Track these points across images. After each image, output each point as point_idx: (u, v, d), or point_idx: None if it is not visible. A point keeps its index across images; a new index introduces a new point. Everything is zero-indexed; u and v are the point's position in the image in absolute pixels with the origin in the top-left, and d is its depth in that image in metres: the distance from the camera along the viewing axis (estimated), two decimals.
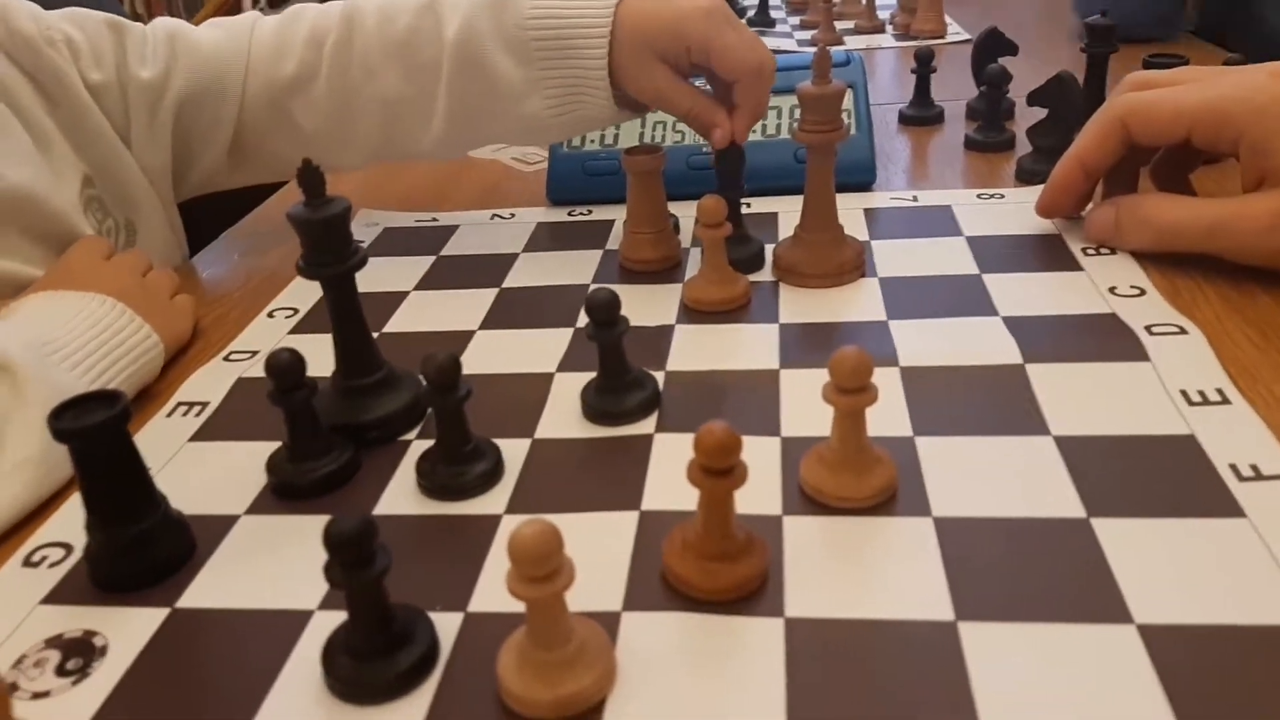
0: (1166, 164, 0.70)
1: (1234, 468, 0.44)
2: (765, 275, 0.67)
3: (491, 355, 0.60)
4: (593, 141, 0.84)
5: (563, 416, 0.53)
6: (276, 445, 0.50)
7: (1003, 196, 0.76)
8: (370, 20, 0.73)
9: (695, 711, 0.35)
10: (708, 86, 0.70)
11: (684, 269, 0.69)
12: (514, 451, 0.50)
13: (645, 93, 0.68)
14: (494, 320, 0.65)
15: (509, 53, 0.69)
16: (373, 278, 0.70)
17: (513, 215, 0.83)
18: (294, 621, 0.41)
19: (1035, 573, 0.40)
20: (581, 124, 0.72)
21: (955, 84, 1.06)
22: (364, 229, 0.82)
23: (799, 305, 0.63)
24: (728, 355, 0.58)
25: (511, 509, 0.46)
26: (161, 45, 0.74)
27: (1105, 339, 0.55)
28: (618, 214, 0.77)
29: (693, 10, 0.65)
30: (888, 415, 0.50)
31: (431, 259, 0.75)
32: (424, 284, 0.71)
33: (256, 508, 0.48)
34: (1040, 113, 0.78)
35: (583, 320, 0.55)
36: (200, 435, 0.55)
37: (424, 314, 0.67)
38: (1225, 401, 0.49)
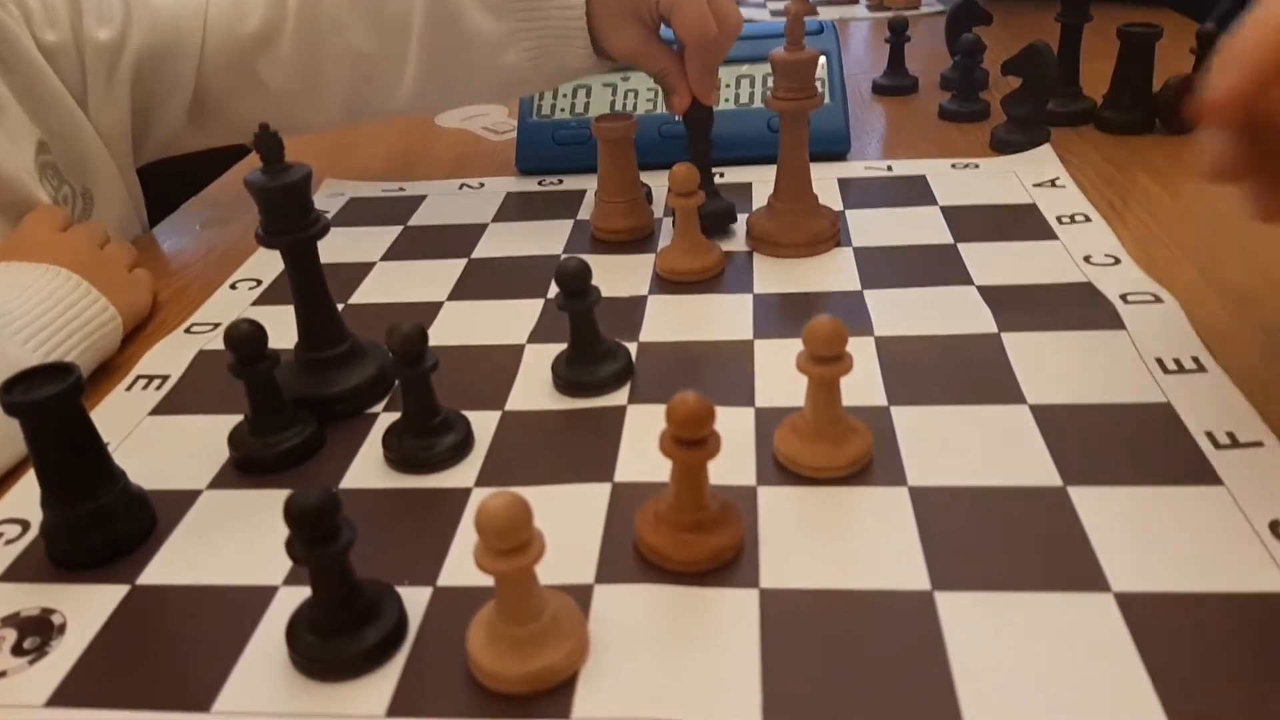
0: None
1: (1210, 435, 0.44)
2: (739, 245, 0.66)
3: (460, 326, 0.59)
4: (563, 110, 0.83)
5: (534, 388, 0.52)
6: (239, 419, 0.49)
7: (977, 166, 0.76)
8: None
9: (669, 684, 0.34)
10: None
11: (657, 238, 0.68)
12: (484, 424, 0.49)
13: (619, 49, 0.68)
14: (463, 291, 0.63)
15: (483, 7, 0.68)
16: (338, 248, 0.69)
17: (482, 185, 0.81)
18: (258, 598, 0.40)
19: (1011, 542, 0.39)
20: (561, 74, 0.72)
21: (929, 54, 1.05)
22: (329, 199, 0.80)
23: (773, 275, 0.62)
24: (701, 325, 0.57)
25: (481, 482, 0.45)
26: (117, 4, 0.72)
27: (1080, 307, 0.55)
28: (589, 183, 0.76)
29: None
30: (863, 385, 0.50)
31: (399, 229, 0.73)
32: (391, 254, 0.70)
33: (219, 482, 0.47)
34: (1015, 82, 0.78)
35: (553, 291, 0.54)
36: (161, 409, 0.53)
37: (391, 285, 0.65)
38: (1201, 369, 0.49)
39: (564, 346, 0.53)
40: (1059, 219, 0.65)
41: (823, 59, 0.80)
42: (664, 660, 0.35)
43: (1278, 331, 0.52)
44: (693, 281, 0.61)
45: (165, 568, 0.42)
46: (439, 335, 0.58)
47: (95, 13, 0.71)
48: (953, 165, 0.76)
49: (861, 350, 0.52)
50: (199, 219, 0.82)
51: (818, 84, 0.78)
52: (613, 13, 0.67)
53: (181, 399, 0.54)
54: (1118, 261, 0.59)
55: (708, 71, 0.66)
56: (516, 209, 0.76)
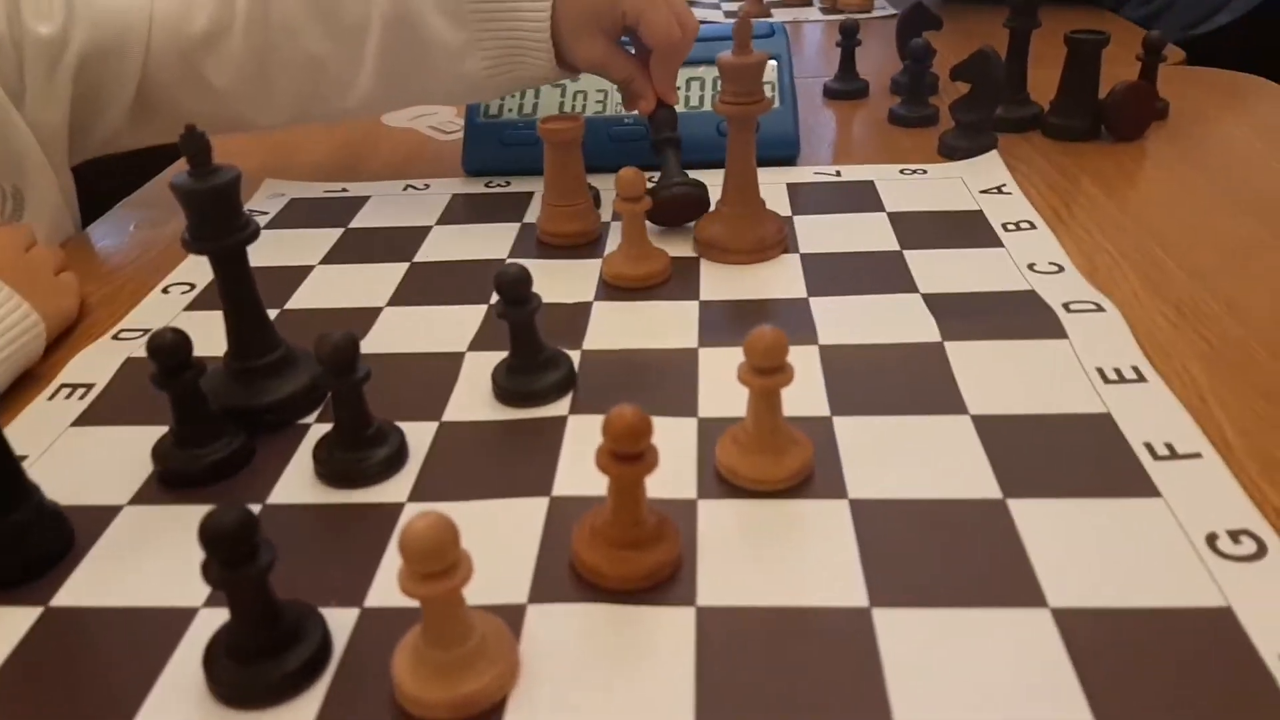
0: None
1: (1149, 446, 0.44)
2: (686, 250, 0.65)
3: (399, 333, 0.58)
4: (510, 111, 0.81)
5: (473, 398, 0.51)
6: (166, 430, 0.47)
7: (925, 172, 0.76)
8: None
9: (600, 707, 0.34)
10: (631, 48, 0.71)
11: (604, 243, 0.67)
12: (419, 435, 0.48)
13: (584, 60, 0.69)
14: (403, 296, 0.62)
15: (444, 14, 0.68)
16: (276, 251, 0.68)
17: (427, 186, 0.80)
18: (176, 620, 0.38)
19: (950, 556, 0.39)
20: (519, 83, 0.73)
21: (881, 58, 1.06)
22: (269, 199, 0.78)
23: (720, 282, 0.61)
24: (647, 333, 0.56)
25: (414, 497, 0.44)
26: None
27: (1024, 316, 0.55)
28: (537, 186, 0.75)
29: None
30: (806, 394, 0.49)
31: (340, 231, 0.72)
32: (330, 258, 0.68)
33: (141, 497, 0.45)
34: (964, 88, 0.78)
35: (496, 297, 0.53)
36: (83, 419, 0.51)
37: (329, 290, 0.64)
38: (1141, 379, 0.49)
39: (505, 354, 0.52)
40: (1005, 226, 0.65)
41: (772, 62, 0.80)
42: (596, 683, 0.34)
43: (1217, 341, 0.52)
44: (639, 288, 0.61)
45: (81, 589, 0.40)
46: (377, 342, 0.57)
47: (34, 8, 0.69)
48: (901, 171, 0.76)
49: (805, 359, 0.52)
50: (133, 219, 0.80)
51: (767, 88, 0.79)
52: (577, 25, 0.68)
53: (106, 409, 0.52)
54: (1061, 270, 0.60)
55: (672, 74, 0.69)
56: (462, 211, 0.75)
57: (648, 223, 0.62)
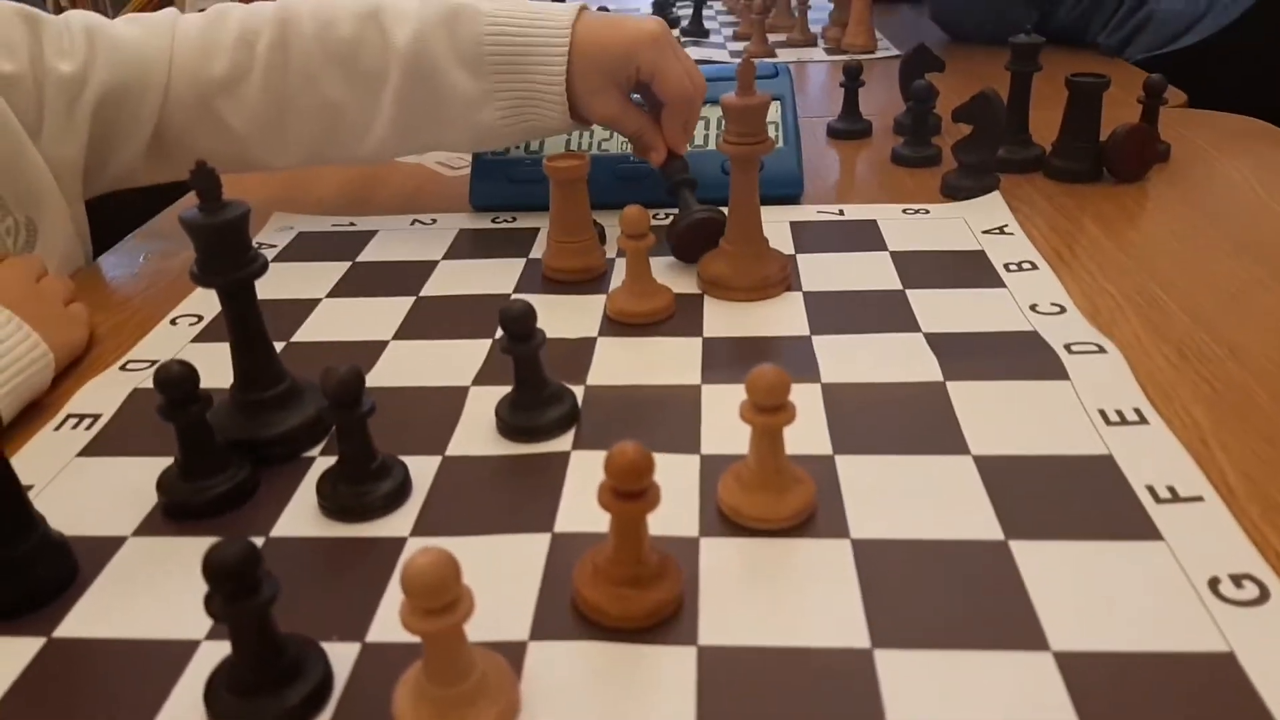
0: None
1: (1151, 489, 0.44)
2: (690, 288, 0.65)
3: (404, 367, 0.58)
4: (517, 148, 0.82)
5: (476, 433, 0.51)
6: (171, 461, 0.47)
7: (928, 212, 0.76)
8: (307, 25, 0.72)
9: None
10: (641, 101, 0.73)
11: (609, 279, 0.68)
12: (423, 470, 0.48)
13: (597, 114, 0.72)
14: (409, 330, 0.62)
15: (463, 66, 0.70)
16: (283, 284, 0.68)
17: (434, 221, 0.80)
18: (179, 653, 0.38)
19: (952, 597, 0.39)
20: (531, 133, 0.75)
21: (884, 98, 1.07)
22: (277, 233, 0.79)
23: (723, 319, 0.61)
24: (650, 369, 0.56)
25: (417, 531, 0.44)
26: (79, 38, 0.72)
27: (1026, 357, 0.55)
28: (542, 222, 0.76)
29: (643, 36, 0.69)
30: (808, 433, 0.49)
31: (347, 265, 0.72)
32: (337, 291, 0.68)
33: (145, 529, 0.45)
34: (966, 129, 0.79)
35: (501, 331, 0.53)
36: (90, 450, 0.52)
37: (335, 323, 0.64)
38: (1143, 421, 0.49)
39: (509, 389, 0.52)
40: (1007, 266, 0.66)
41: (776, 102, 0.80)
42: None
43: (1219, 384, 0.52)
44: (642, 324, 0.61)
45: (84, 620, 0.40)
46: (382, 376, 0.57)
47: (57, 46, 0.71)
48: (904, 210, 0.76)
49: (808, 397, 0.52)
50: (144, 250, 0.80)
51: (771, 127, 0.79)
52: (592, 80, 0.70)
53: (112, 440, 0.52)
54: (1063, 310, 0.60)
55: (691, 125, 0.73)
56: (468, 246, 0.75)
57: (652, 260, 0.62)
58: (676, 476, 0.46)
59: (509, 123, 0.72)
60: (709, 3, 1.60)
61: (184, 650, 0.38)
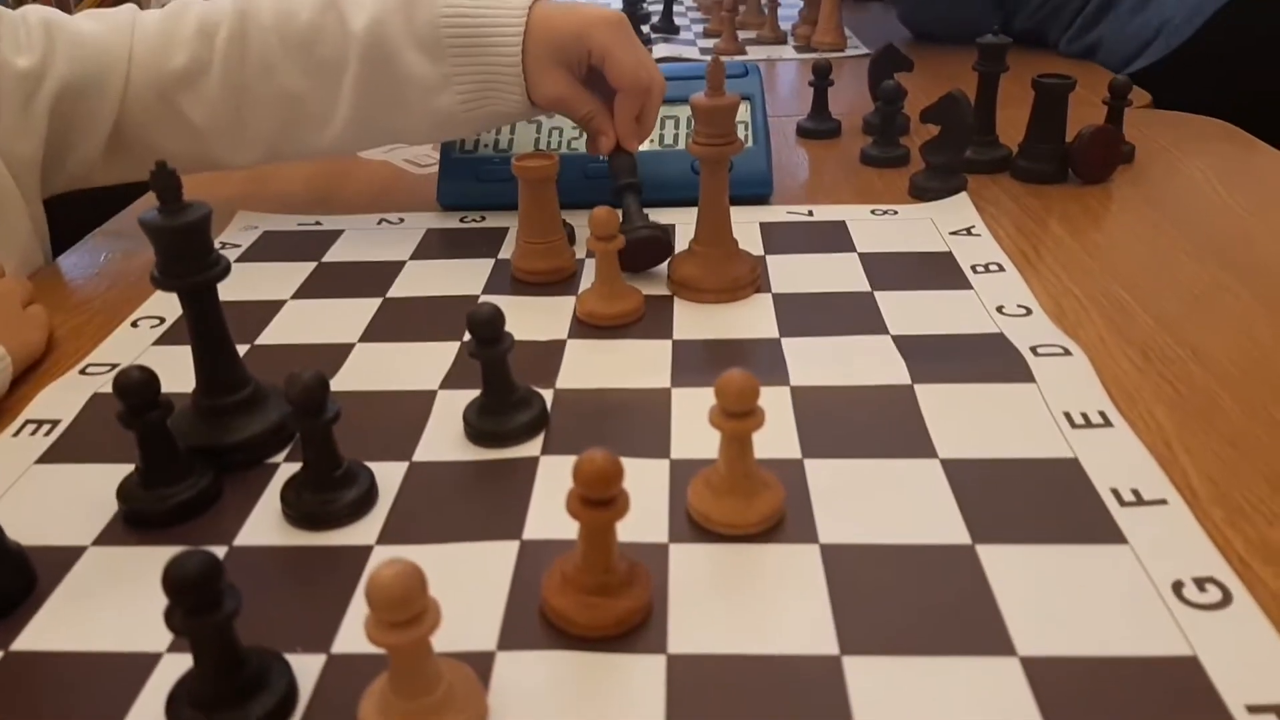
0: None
1: (1115, 492, 0.44)
2: (660, 289, 0.65)
3: (371, 370, 0.57)
4: (486, 146, 0.82)
5: (444, 437, 0.51)
6: (132, 469, 0.47)
7: (896, 213, 0.76)
8: (266, 16, 0.71)
9: None
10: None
11: (579, 280, 0.67)
12: (389, 476, 0.47)
13: (546, 94, 0.71)
14: (376, 332, 0.62)
15: (421, 50, 0.70)
16: (247, 285, 0.67)
17: (401, 220, 0.80)
18: (140, 665, 0.37)
19: (920, 603, 0.39)
20: (493, 119, 0.74)
21: (854, 97, 1.07)
22: (242, 232, 0.78)
23: (693, 320, 0.61)
24: (620, 372, 0.56)
25: (383, 539, 0.44)
26: (37, 32, 0.71)
27: (992, 360, 0.55)
28: (511, 221, 0.75)
29: (599, 19, 0.69)
30: (778, 436, 0.49)
31: (312, 265, 0.72)
32: (302, 292, 0.68)
33: (105, 538, 0.45)
34: (934, 129, 0.79)
35: (469, 335, 0.53)
36: (48, 457, 0.51)
37: (301, 325, 0.63)
38: (1107, 424, 0.49)
39: (477, 393, 0.51)
40: (974, 268, 0.66)
41: (746, 102, 0.80)
42: None
43: (1182, 387, 0.53)
44: (612, 326, 0.61)
45: (42, 632, 0.40)
46: (348, 380, 0.56)
47: (14, 40, 0.70)
48: (872, 211, 0.77)
49: (777, 400, 0.52)
50: (105, 250, 0.79)
51: (740, 127, 0.79)
52: (542, 60, 0.69)
53: (72, 446, 0.52)
54: (1029, 312, 0.60)
55: (638, 122, 0.71)
56: (436, 246, 0.75)
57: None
58: (646, 482, 0.46)
59: (468, 108, 0.71)
60: None
61: (145, 663, 0.38)
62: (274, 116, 0.73)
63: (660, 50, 1.35)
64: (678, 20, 1.50)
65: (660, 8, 1.48)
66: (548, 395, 0.53)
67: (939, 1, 1.31)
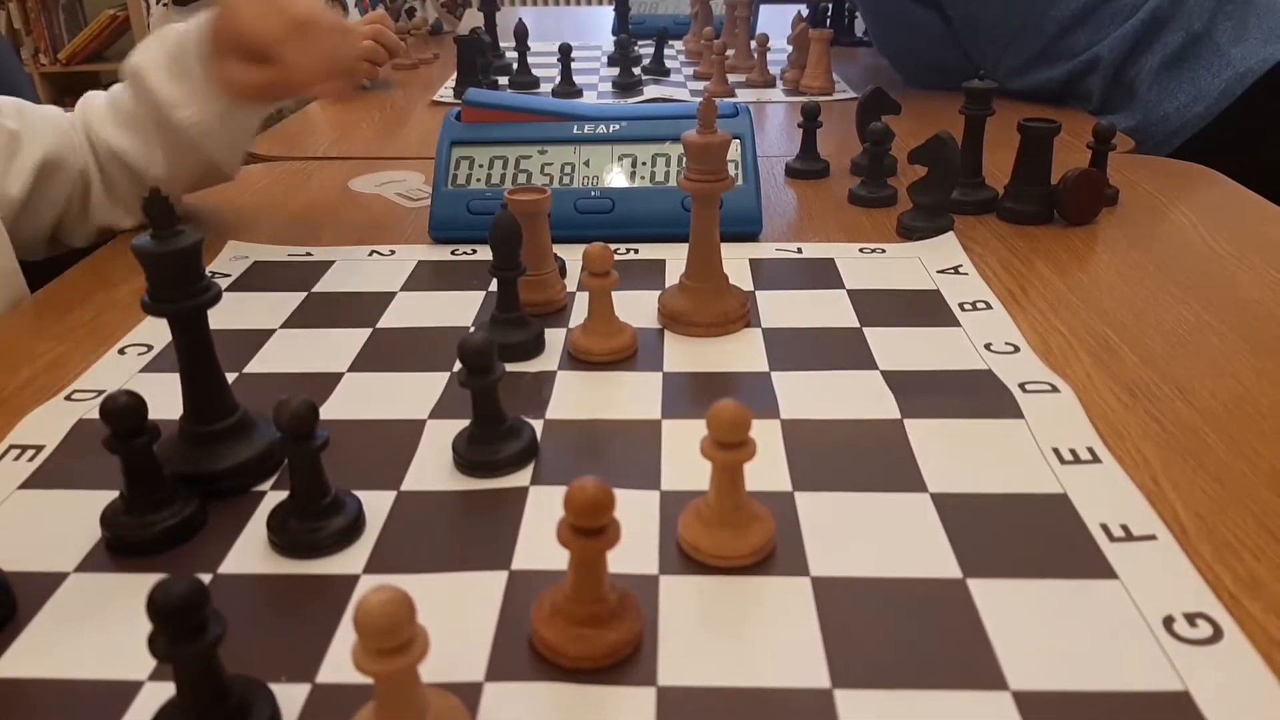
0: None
1: (1105, 528, 0.44)
2: (651, 322, 0.65)
3: (360, 400, 0.57)
4: (479, 180, 0.82)
5: (432, 467, 0.51)
6: (116, 495, 0.46)
7: (884, 251, 0.77)
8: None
9: None
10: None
11: (569, 312, 0.68)
12: (377, 505, 0.47)
13: (219, 87, 0.76)
14: (365, 362, 0.62)
15: (165, 71, 0.77)
16: (237, 314, 0.67)
17: (393, 252, 0.80)
18: (121, 694, 0.37)
19: (911, 636, 0.39)
20: (235, 126, 0.80)
21: (842, 139, 1.08)
22: (232, 261, 0.78)
23: (683, 354, 0.62)
24: (610, 404, 0.56)
25: (370, 568, 0.43)
26: (10, 109, 0.78)
27: (981, 395, 0.55)
28: None
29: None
30: (768, 469, 0.49)
31: (302, 295, 0.71)
32: (292, 322, 0.67)
33: (88, 564, 0.44)
34: (921, 171, 0.80)
35: (459, 365, 0.53)
36: (31, 482, 0.50)
37: (290, 354, 0.63)
38: (1095, 460, 0.49)
39: (467, 423, 0.51)
40: (961, 306, 0.67)
41: (736, 141, 0.81)
42: None
43: (1168, 424, 0.53)
44: (604, 363, 0.61)
45: (21, 659, 0.39)
46: (337, 408, 0.56)
47: None
48: (860, 250, 0.77)
49: (768, 433, 0.52)
50: (90, 277, 0.78)
51: (731, 166, 0.80)
52: (217, 55, 0.75)
53: (55, 472, 0.51)
54: (1017, 350, 0.61)
55: (319, 61, 0.74)
56: (427, 278, 0.75)
57: (614, 296, 0.62)
58: (636, 512, 0.46)
59: (205, 120, 0.77)
60: (670, 42, 1.62)
61: (126, 691, 0.37)
62: (127, 179, 0.81)
63: (651, 91, 1.37)
64: (669, 63, 1.52)
65: (652, 50, 1.50)
66: (537, 425, 0.53)
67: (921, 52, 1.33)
